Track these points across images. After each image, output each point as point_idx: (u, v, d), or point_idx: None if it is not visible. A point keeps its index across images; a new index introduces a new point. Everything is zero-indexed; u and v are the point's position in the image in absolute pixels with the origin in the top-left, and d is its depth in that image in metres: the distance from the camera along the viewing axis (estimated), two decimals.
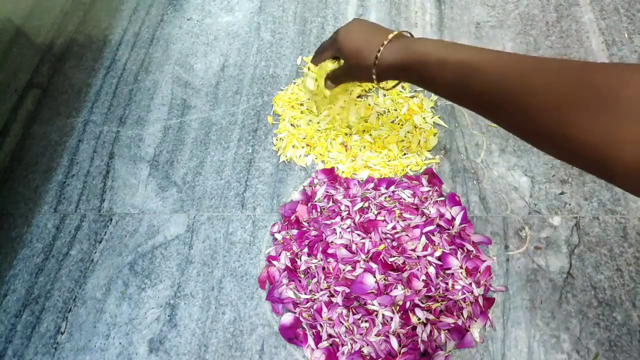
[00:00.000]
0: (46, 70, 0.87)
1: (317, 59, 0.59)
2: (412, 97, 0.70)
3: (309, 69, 0.61)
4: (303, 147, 0.68)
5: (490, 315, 0.53)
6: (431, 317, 0.52)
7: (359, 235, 0.57)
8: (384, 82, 0.52)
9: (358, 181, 0.63)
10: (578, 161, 0.32)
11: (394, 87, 0.57)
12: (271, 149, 0.70)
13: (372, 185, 0.62)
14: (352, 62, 0.51)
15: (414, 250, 0.55)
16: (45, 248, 0.67)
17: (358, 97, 0.70)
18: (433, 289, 0.53)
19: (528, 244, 0.58)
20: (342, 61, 0.56)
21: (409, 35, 0.49)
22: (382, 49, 0.47)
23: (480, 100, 0.39)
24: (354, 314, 0.53)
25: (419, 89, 0.72)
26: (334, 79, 0.58)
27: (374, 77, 0.50)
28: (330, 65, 0.58)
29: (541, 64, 0.35)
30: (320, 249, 0.57)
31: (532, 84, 0.34)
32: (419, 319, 0.52)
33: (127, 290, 0.62)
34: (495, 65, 0.38)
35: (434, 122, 0.68)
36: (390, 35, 0.47)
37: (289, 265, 0.57)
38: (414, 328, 0.52)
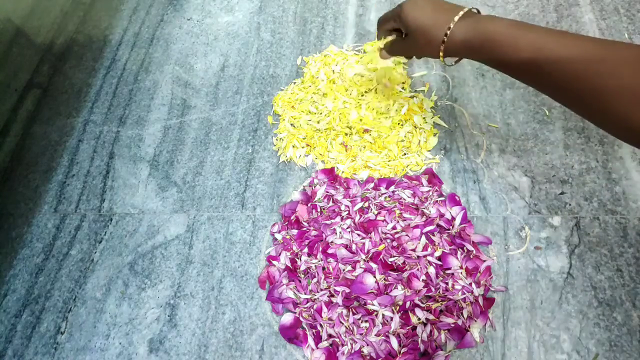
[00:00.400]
0: (46, 70, 0.87)
1: (378, 31, 0.58)
2: (412, 97, 0.70)
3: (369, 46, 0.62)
4: (303, 147, 0.68)
5: (490, 315, 0.53)
6: (431, 317, 0.52)
7: (359, 235, 0.57)
8: (448, 58, 0.52)
9: (358, 181, 0.63)
10: None
11: (456, 62, 0.54)
12: (271, 149, 0.70)
13: (372, 185, 0.62)
14: (419, 37, 0.49)
15: (414, 250, 0.55)
16: (45, 248, 0.67)
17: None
18: (433, 289, 0.53)
19: (528, 244, 0.58)
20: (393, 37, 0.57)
21: (476, 11, 0.48)
22: (452, 26, 0.46)
23: (551, 82, 0.41)
24: (354, 314, 0.53)
25: (419, 88, 0.72)
26: (392, 51, 0.57)
27: (440, 53, 0.48)
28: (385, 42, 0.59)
29: (614, 50, 0.37)
30: (320, 249, 0.57)
31: (605, 70, 0.36)
32: (419, 319, 0.52)
33: (127, 290, 0.62)
34: (568, 49, 0.39)
35: (434, 122, 0.68)
36: (461, 12, 0.47)
37: (289, 265, 0.57)
38: (414, 328, 0.52)
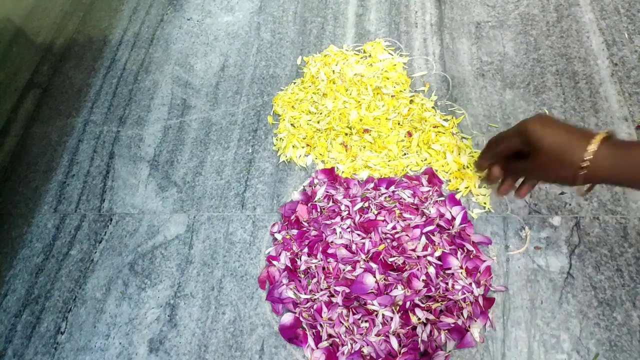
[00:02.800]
0: (46, 70, 0.87)
1: (492, 149, 0.51)
2: (412, 97, 0.70)
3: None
4: (303, 147, 0.68)
5: (490, 315, 0.53)
6: (431, 317, 0.52)
7: (359, 235, 0.57)
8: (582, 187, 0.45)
9: (358, 181, 0.63)
10: None
11: (588, 190, 0.48)
12: (271, 149, 0.70)
13: (372, 185, 0.62)
14: (551, 159, 0.43)
15: (414, 250, 0.55)
16: (45, 248, 0.67)
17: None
18: (433, 289, 0.53)
19: (528, 244, 0.58)
20: None
21: (612, 134, 0.42)
22: (593, 149, 0.41)
23: None
24: (354, 314, 0.53)
25: (419, 88, 0.72)
26: (514, 173, 0.51)
27: (579, 180, 0.42)
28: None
29: None
30: (320, 249, 0.57)
31: None
32: (419, 319, 0.52)
33: (127, 290, 0.62)
34: None
35: None
36: (600, 136, 0.41)
37: (289, 265, 0.57)
38: (414, 328, 0.52)
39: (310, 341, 0.53)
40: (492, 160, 0.52)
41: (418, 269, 0.54)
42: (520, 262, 0.56)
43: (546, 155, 0.44)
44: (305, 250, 0.58)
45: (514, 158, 0.49)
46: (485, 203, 0.61)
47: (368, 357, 0.51)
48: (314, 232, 0.59)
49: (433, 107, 0.69)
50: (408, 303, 0.52)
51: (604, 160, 0.41)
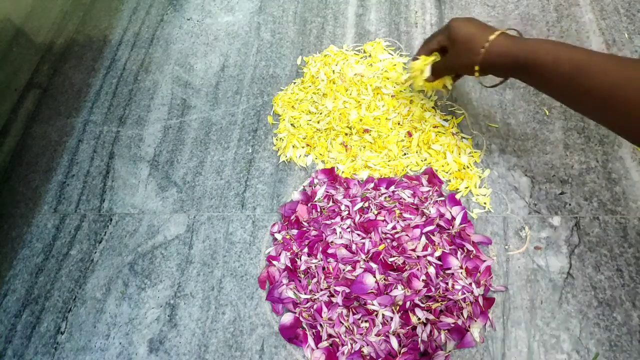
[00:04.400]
0: (46, 70, 0.87)
1: (425, 46, 0.60)
2: (412, 97, 0.70)
3: (415, 59, 0.62)
4: (303, 147, 0.68)
5: (490, 315, 0.53)
6: (431, 317, 0.52)
7: (359, 235, 0.57)
8: (484, 78, 0.55)
9: (358, 181, 0.63)
10: None
11: (495, 85, 0.56)
12: (271, 149, 0.70)
13: (372, 185, 0.62)
14: (460, 46, 0.53)
15: (414, 250, 0.55)
16: (45, 248, 0.67)
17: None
18: (433, 289, 0.53)
19: (528, 244, 0.58)
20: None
21: (516, 33, 0.52)
22: (492, 37, 0.50)
23: (587, 98, 0.44)
24: (354, 314, 0.53)
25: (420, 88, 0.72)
26: (436, 70, 0.60)
27: (476, 67, 0.51)
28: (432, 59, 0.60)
29: None
30: (320, 249, 0.57)
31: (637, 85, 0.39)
32: (419, 319, 0.52)
33: (127, 290, 0.62)
34: (602, 66, 0.42)
35: None
36: (503, 29, 0.51)
37: (289, 265, 0.57)
38: (414, 328, 0.52)
39: (310, 341, 0.53)
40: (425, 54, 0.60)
41: (418, 269, 0.54)
42: (520, 262, 0.56)
43: (458, 43, 0.53)
44: (305, 250, 0.58)
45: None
46: (485, 203, 0.61)
47: (368, 357, 0.51)
48: (314, 232, 0.59)
49: (433, 107, 0.69)
50: (408, 303, 0.52)
51: (499, 47, 0.49)
